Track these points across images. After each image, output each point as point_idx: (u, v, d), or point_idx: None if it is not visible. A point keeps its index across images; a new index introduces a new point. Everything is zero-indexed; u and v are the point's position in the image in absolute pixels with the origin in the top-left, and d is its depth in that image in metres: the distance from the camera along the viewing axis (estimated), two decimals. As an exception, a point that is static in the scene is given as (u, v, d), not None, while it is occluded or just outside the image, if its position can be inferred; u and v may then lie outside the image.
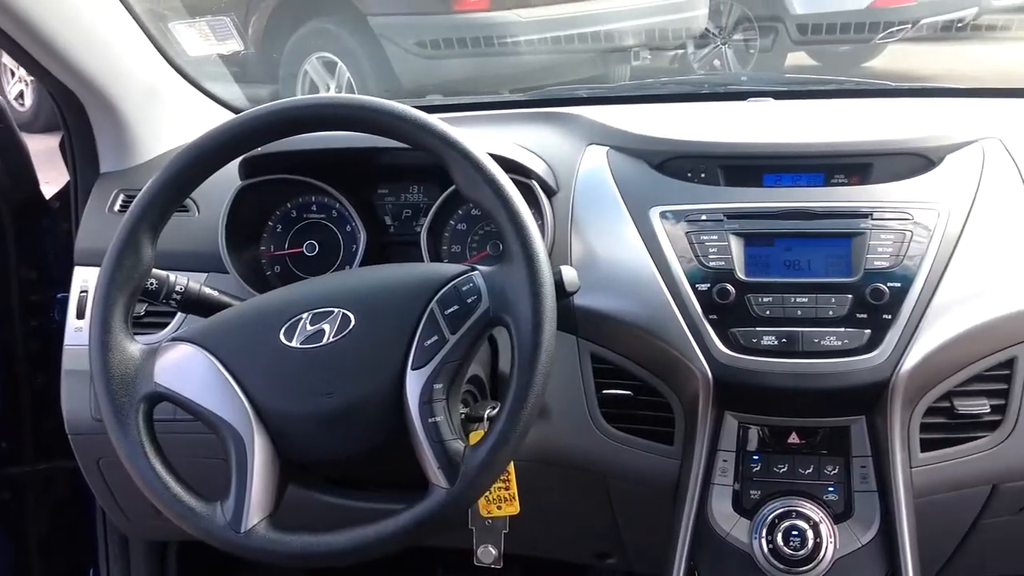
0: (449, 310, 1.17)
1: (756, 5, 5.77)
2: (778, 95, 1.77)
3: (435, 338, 1.16)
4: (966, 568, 1.57)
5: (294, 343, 1.18)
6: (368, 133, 1.22)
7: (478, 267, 1.21)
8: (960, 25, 5.99)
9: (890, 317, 1.32)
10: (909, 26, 5.51)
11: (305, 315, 1.20)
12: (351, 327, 1.18)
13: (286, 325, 1.20)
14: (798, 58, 5.98)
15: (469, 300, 1.17)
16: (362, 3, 4.85)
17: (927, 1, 5.66)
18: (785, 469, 1.39)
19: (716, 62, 5.82)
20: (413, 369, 1.15)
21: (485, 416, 1.30)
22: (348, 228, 1.60)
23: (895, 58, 6.01)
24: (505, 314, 1.16)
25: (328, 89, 5.01)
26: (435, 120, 1.19)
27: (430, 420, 1.14)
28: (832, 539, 1.33)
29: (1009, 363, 1.37)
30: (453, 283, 1.19)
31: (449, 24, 4.80)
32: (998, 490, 1.43)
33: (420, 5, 4.87)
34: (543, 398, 1.15)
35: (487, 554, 1.41)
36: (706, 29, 5.52)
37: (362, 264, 1.54)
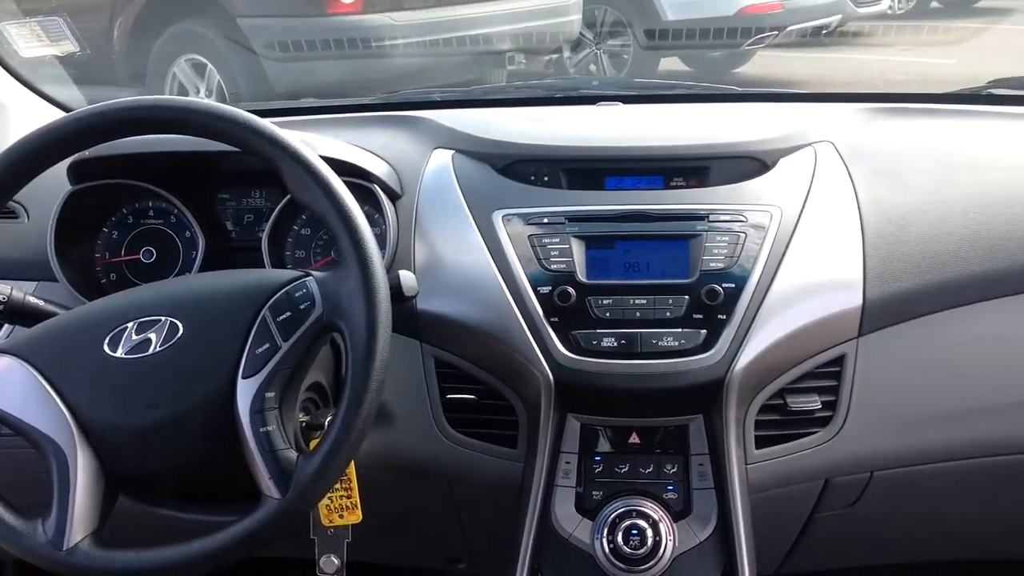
0: (281, 317, 1.15)
1: (629, 11, 5.85)
2: (627, 99, 1.79)
3: (267, 346, 1.13)
4: (805, 561, 1.61)
5: (119, 353, 1.15)
6: (196, 136, 1.19)
7: (312, 272, 1.20)
8: (826, 32, 6.18)
9: (725, 317, 1.35)
10: (776, 32, 5.68)
11: (131, 324, 1.17)
12: (179, 336, 1.15)
13: (111, 334, 1.16)
14: (671, 63, 6.11)
15: (302, 306, 1.15)
16: (232, 5, 4.75)
17: (793, 8, 5.82)
18: (626, 469, 1.40)
19: (592, 67, 5.90)
20: (244, 378, 1.13)
21: (325, 423, 1.27)
22: (187, 234, 1.56)
23: (765, 64, 6.18)
24: (339, 320, 1.15)
25: (198, 92, 4.90)
26: (264, 123, 1.17)
27: (262, 429, 1.12)
28: (671, 537, 1.34)
29: (839, 360, 1.40)
30: (286, 289, 1.17)
31: (321, 27, 4.73)
32: (831, 484, 1.47)
33: (291, 7, 4.79)
34: (378, 404, 1.13)
35: (329, 564, 1.39)
36: (581, 34, 5.58)
37: (201, 271, 1.51)
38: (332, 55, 4.32)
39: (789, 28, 5.78)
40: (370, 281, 1.13)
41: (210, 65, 4.84)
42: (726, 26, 5.54)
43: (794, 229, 1.40)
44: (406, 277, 1.27)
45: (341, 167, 1.39)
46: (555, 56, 5.53)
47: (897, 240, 1.42)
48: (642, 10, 5.85)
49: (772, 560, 1.59)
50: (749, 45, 5.75)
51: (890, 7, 7.42)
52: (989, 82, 1.85)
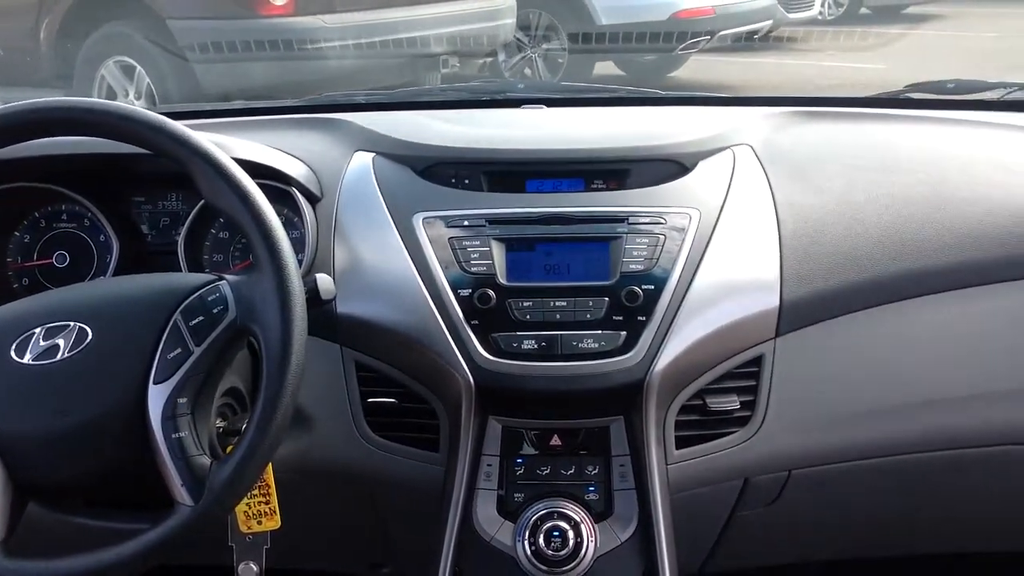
0: (194, 321, 1.13)
1: (563, 16, 5.88)
2: (551, 103, 1.80)
3: (178, 350, 1.12)
4: (727, 560, 1.62)
5: (26, 359, 1.12)
6: (105, 138, 1.17)
7: (226, 276, 1.18)
8: (758, 37, 6.28)
9: (644, 318, 1.35)
10: (709, 37, 5.75)
11: (38, 329, 1.14)
12: (88, 341, 1.13)
13: (18, 340, 1.14)
14: (607, 67, 6.15)
15: (215, 310, 1.14)
16: (161, 6, 4.69)
17: (725, 14, 5.90)
18: (548, 471, 1.39)
19: (527, 70, 5.92)
20: (155, 383, 1.11)
21: (243, 429, 1.25)
22: (101, 238, 1.54)
23: (698, 68, 6.26)
24: (253, 324, 1.13)
25: (127, 95, 4.84)
26: (173, 124, 1.15)
27: (174, 436, 1.10)
28: (592, 538, 1.34)
29: (757, 360, 1.41)
30: (199, 293, 1.16)
31: (252, 29, 4.69)
32: (750, 483, 1.48)
33: (221, 9, 4.74)
34: (293, 408, 1.12)
35: (248, 571, 1.37)
36: (516, 38, 5.60)
37: (116, 275, 1.48)
38: (263, 57, 4.28)
39: (721, 33, 5.86)
40: (284, 284, 1.12)
41: (139, 67, 4.78)
42: (659, 31, 5.61)
43: (713, 231, 1.41)
44: (323, 280, 1.26)
45: (257, 169, 1.38)
46: (490, 60, 5.54)
47: (812, 241, 1.43)
48: (576, 14, 5.90)
49: (694, 559, 1.59)
50: (682, 50, 5.82)
51: (820, 13, 7.57)
52: (906, 86, 1.89)
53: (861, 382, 1.45)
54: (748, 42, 6.50)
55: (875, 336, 1.45)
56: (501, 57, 5.72)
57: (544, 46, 5.90)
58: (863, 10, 8.93)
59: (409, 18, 4.86)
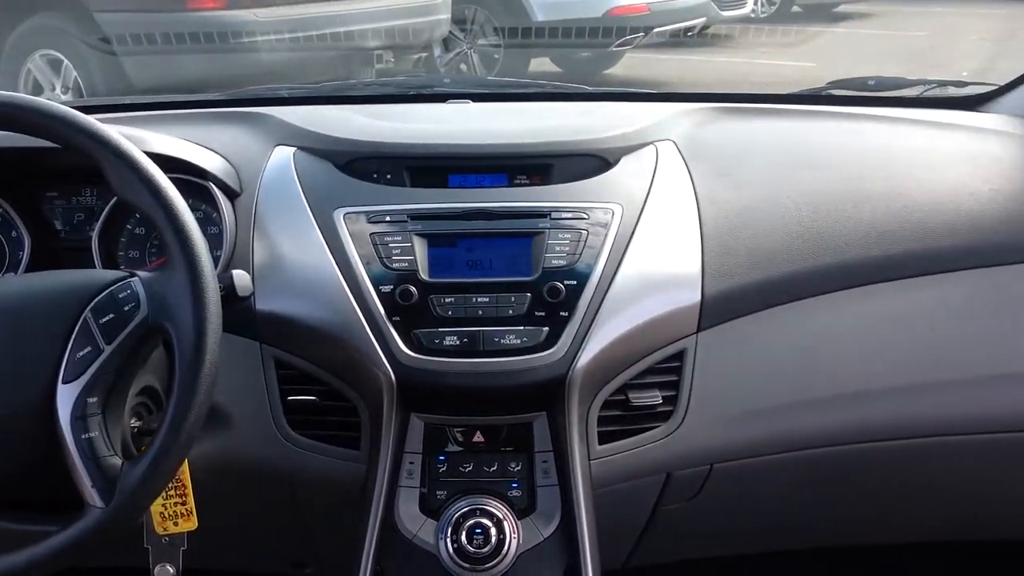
0: (104, 319, 1.11)
1: (499, 11, 5.87)
2: (477, 97, 1.79)
3: (88, 349, 1.10)
4: (651, 554, 1.63)
5: None
6: (12, 131, 1.14)
7: (138, 273, 1.16)
8: (692, 34, 6.34)
9: (567, 314, 1.35)
10: (643, 34, 5.78)
11: None
12: None
13: None
14: (542, 64, 6.16)
15: (126, 308, 1.12)
16: (89, -1, 4.61)
17: (659, 11, 5.93)
18: (471, 468, 1.39)
19: (463, 66, 5.91)
20: (64, 383, 1.09)
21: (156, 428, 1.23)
22: (13, 234, 1.50)
23: (633, 65, 6.29)
24: (166, 321, 1.11)
25: (53, 89, 4.75)
26: (83, 117, 1.13)
27: (84, 436, 1.08)
28: (515, 535, 1.34)
29: (679, 355, 1.42)
30: (109, 290, 1.13)
31: (182, 22, 4.62)
32: (672, 477, 1.48)
33: (151, 3, 4.66)
34: (207, 406, 1.11)
35: (164, 573, 1.35)
36: (451, 33, 5.58)
37: (29, 272, 1.45)
38: (194, 51, 4.23)
39: (656, 30, 5.89)
40: (198, 280, 1.10)
41: (66, 61, 4.69)
42: (594, 27, 5.63)
43: (635, 226, 1.41)
44: (239, 277, 1.24)
45: (173, 164, 1.35)
46: (425, 55, 5.51)
47: (733, 237, 1.44)
48: (512, 10, 5.90)
49: (618, 554, 1.60)
50: (617, 46, 5.85)
51: (753, 11, 7.65)
52: (828, 83, 1.91)
53: (781, 376, 1.46)
54: (683, 39, 6.56)
55: (795, 330, 1.47)
56: (436, 53, 5.70)
57: (479, 42, 5.89)
58: (795, 8, 9.05)
59: (342, 12, 4.82)
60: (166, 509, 1.31)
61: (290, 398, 1.40)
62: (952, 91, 1.83)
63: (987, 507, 1.69)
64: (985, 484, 1.63)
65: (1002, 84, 1.76)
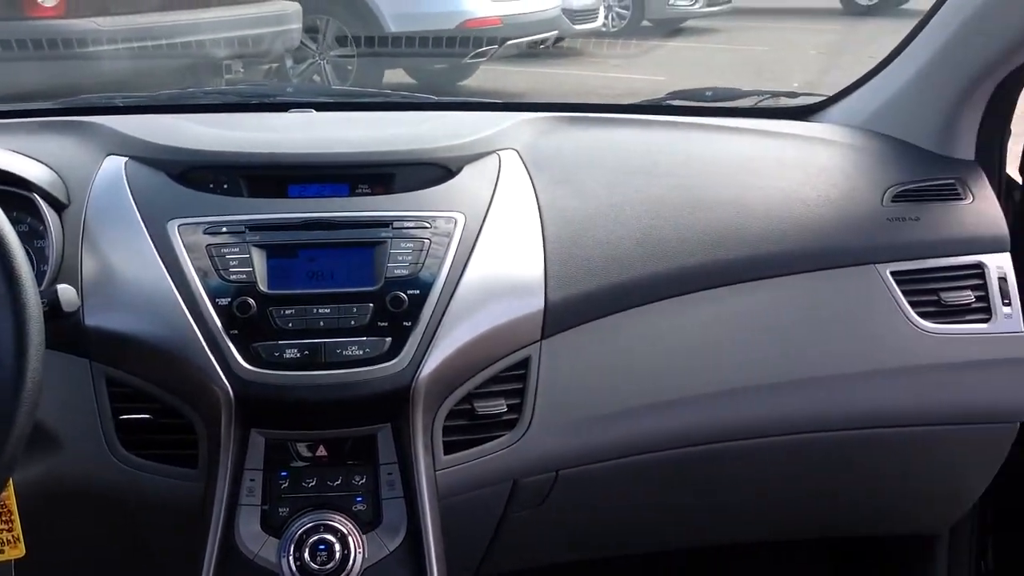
0: None
1: (351, 22, 5.83)
2: (320, 107, 1.76)
3: None
4: (501, 562, 1.62)
5: None
6: None
7: None
8: (544, 47, 6.41)
9: (410, 324, 1.34)
10: (496, 47, 5.82)
11: None
12: None
13: None
14: (396, 75, 6.14)
15: None
16: (-83, 4, 4.38)
17: (512, 24, 5.99)
18: (314, 483, 1.36)
19: (316, 76, 5.84)
20: None
21: None
22: None
23: (488, 78, 6.33)
24: None
25: None
26: None
27: None
28: (360, 549, 1.32)
29: (524, 363, 1.42)
30: None
31: (19, 30, 4.44)
32: (519, 485, 1.48)
33: (-16, 9, 4.48)
34: (30, 428, 1.06)
35: (-12, 605, 1.28)
36: (303, 43, 5.51)
37: None
38: (33, 58, 4.06)
39: (509, 43, 5.95)
40: (18, 296, 1.06)
41: None
42: (449, 37, 5.65)
43: (478, 235, 1.41)
44: (64, 291, 1.20)
45: None
46: (276, 65, 5.42)
47: (575, 244, 1.45)
48: (364, 21, 5.86)
49: (467, 564, 1.59)
50: (471, 58, 5.88)
51: (604, 25, 7.80)
52: (668, 93, 1.95)
53: (623, 382, 1.48)
54: (536, 51, 6.64)
55: (637, 336, 1.49)
56: (288, 63, 5.61)
57: (332, 52, 5.84)
58: (645, 23, 9.28)
59: (188, 22, 4.71)
60: (-11, 537, 1.24)
61: (122, 417, 1.35)
62: (784, 102, 1.88)
63: (831, 502, 1.74)
64: (823, 481, 1.68)
65: (830, 95, 1.82)
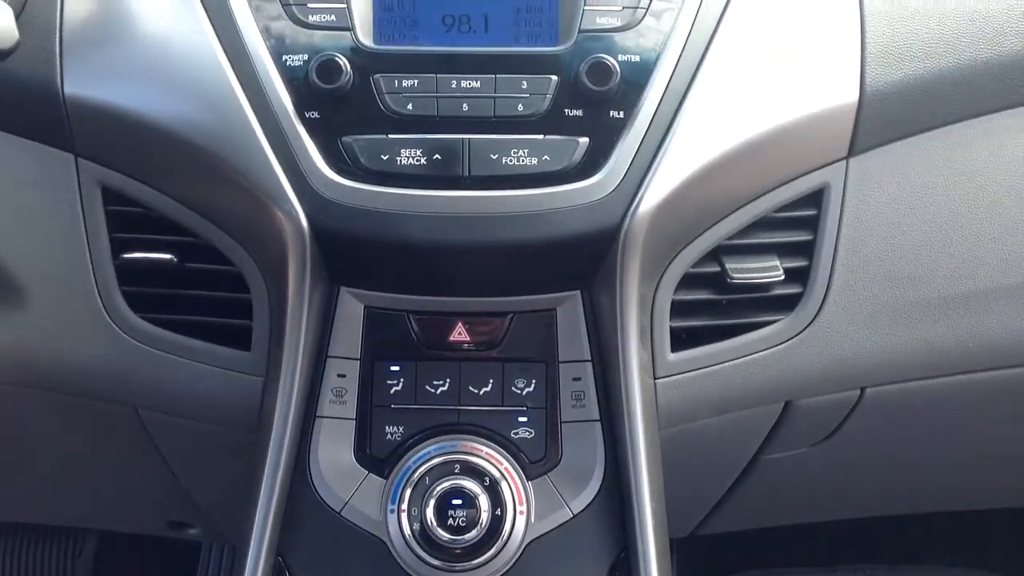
0: None
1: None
2: None
3: None
4: (728, 523, 1.28)
5: None
6: None
7: None
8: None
9: (622, 116, 0.89)
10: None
11: None
12: None
13: None
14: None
15: None
16: None
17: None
18: (445, 388, 0.97)
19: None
20: None
21: None
22: None
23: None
24: None
25: None
26: None
27: None
28: (522, 508, 0.93)
29: (815, 197, 0.97)
30: None
31: None
32: (794, 408, 1.06)
33: None
34: None
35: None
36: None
37: None
38: None
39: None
40: None
41: None
42: None
43: None
44: None
45: None
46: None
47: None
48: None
49: (682, 525, 1.23)
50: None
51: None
52: None
53: (966, 244, 1.02)
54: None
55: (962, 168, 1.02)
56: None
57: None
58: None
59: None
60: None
61: (126, 255, 0.97)
62: None
63: None
64: None
65: None
